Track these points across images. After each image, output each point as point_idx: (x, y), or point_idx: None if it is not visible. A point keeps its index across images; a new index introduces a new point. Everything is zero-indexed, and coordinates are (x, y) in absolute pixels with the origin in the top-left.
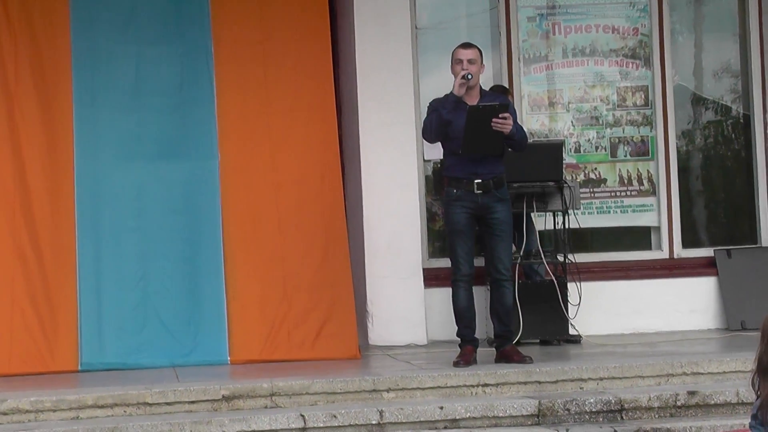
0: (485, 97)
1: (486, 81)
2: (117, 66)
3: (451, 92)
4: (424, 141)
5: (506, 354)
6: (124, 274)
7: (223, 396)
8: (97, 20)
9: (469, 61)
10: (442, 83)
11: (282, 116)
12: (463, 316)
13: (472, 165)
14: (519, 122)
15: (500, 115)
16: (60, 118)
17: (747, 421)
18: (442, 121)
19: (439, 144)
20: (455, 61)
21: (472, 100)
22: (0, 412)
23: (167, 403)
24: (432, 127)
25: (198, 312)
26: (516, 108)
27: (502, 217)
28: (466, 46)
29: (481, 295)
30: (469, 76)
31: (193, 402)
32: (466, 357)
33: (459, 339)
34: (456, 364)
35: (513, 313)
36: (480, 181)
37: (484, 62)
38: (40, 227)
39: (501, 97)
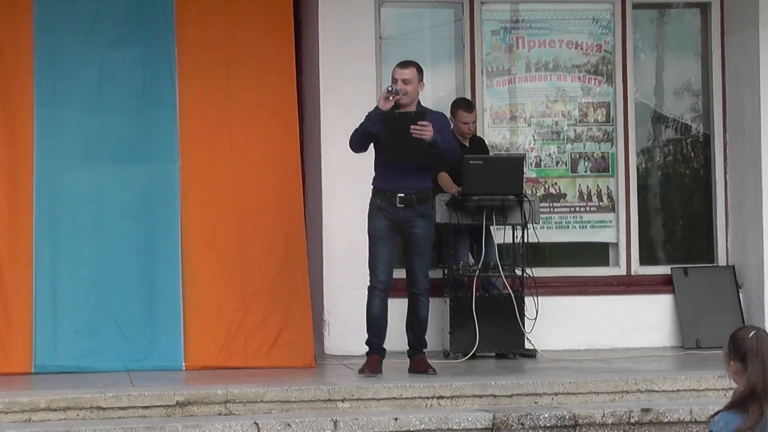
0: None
1: (449, 93)
2: (79, 67)
3: (377, 106)
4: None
5: (413, 363)
6: (81, 276)
7: (178, 402)
8: (61, 20)
9: (404, 81)
10: None
11: (244, 121)
12: (375, 324)
13: (397, 178)
14: (479, 134)
15: (418, 123)
16: (21, 117)
17: None
18: (365, 132)
19: None
20: (392, 80)
21: None
22: None
23: (121, 408)
24: (356, 139)
25: (154, 316)
26: (477, 121)
27: (421, 232)
28: (404, 65)
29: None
30: (390, 89)
31: (147, 407)
32: (372, 366)
33: (367, 347)
34: (361, 371)
35: (425, 325)
36: (403, 195)
37: (423, 80)
38: None
39: (436, 113)
